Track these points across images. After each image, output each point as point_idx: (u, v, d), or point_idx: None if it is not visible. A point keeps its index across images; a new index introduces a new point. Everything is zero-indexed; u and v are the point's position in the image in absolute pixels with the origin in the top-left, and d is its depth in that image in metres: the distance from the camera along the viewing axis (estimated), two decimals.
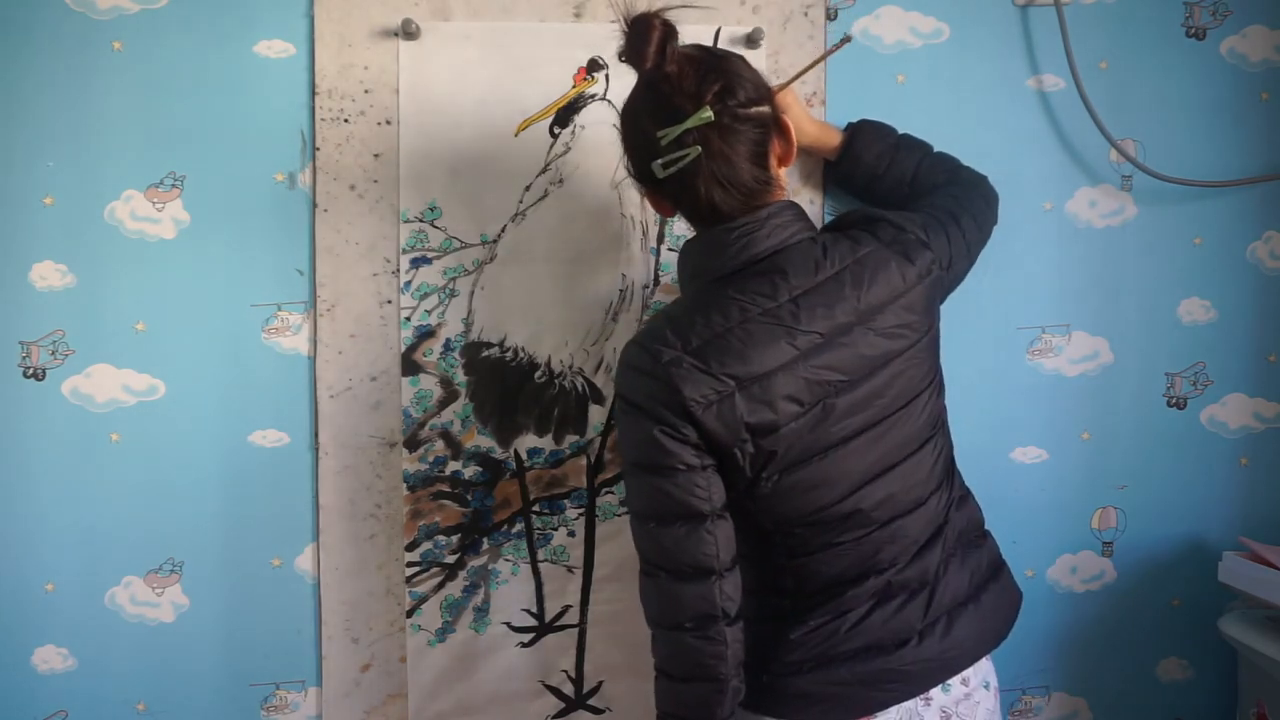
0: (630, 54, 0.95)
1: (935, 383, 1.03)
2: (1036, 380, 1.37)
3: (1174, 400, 1.39)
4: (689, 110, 0.93)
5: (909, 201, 1.21)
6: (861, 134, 1.23)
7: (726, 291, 0.96)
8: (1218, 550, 1.33)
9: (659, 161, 0.94)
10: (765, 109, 0.97)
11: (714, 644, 0.94)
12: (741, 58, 0.99)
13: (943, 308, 1.33)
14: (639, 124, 0.97)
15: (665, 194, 1.00)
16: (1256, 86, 1.37)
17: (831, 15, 1.32)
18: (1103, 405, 1.38)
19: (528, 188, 1.29)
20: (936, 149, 1.24)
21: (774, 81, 1.23)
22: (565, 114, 1.28)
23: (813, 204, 1.31)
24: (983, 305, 1.36)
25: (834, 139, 1.24)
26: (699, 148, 0.93)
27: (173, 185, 1.28)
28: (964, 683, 1.02)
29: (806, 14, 1.30)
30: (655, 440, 0.93)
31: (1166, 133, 1.36)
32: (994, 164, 1.34)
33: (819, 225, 1.29)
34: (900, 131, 1.24)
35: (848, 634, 0.98)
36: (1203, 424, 1.39)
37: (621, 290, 1.30)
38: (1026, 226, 1.36)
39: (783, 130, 0.99)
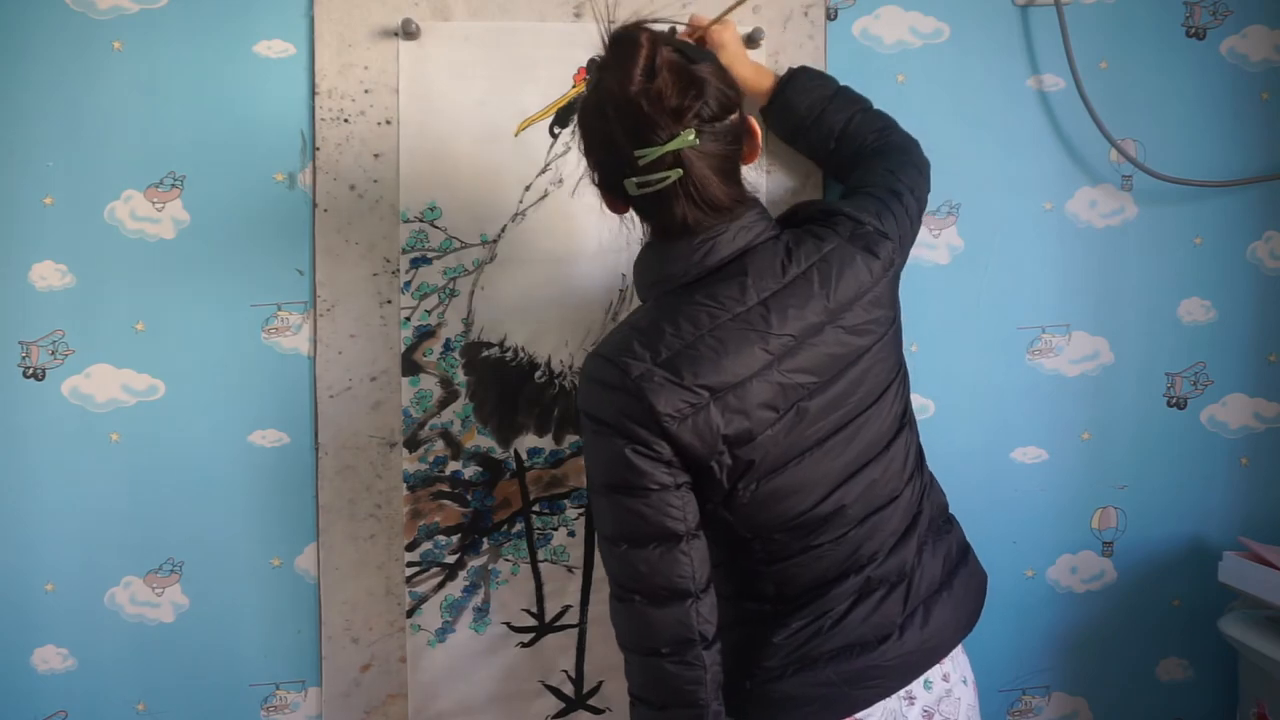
0: (613, 74, 0.90)
1: (901, 374, 1.03)
2: (1036, 380, 1.37)
3: (1174, 400, 1.39)
4: (669, 129, 0.88)
5: (834, 157, 1.19)
6: (795, 81, 1.20)
7: (694, 297, 0.93)
8: (1218, 550, 1.32)
9: (634, 180, 0.90)
10: (736, 116, 0.95)
11: (692, 669, 0.91)
12: (712, 58, 0.96)
13: (943, 308, 1.35)
14: (612, 139, 0.91)
15: (631, 205, 0.97)
16: (1256, 86, 1.37)
17: (832, 15, 1.32)
18: (1103, 405, 1.38)
19: (528, 188, 1.29)
20: (908, 128, 1.20)
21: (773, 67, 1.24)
22: (565, 114, 1.29)
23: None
24: (983, 305, 1.36)
25: (766, 82, 1.21)
26: (679, 170, 0.90)
27: (173, 185, 1.28)
28: (945, 679, 1.02)
29: (806, 14, 1.30)
30: (626, 459, 0.90)
31: (1166, 133, 1.36)
32: (994, 164, 1.35)
33: None
34: (844, 88, 1.21)
35: (829, 633, 0.96)
36: (1203, 424, 1.39)
37: (621, 290, 1.30)
38: (1026, 226, 1.36)
39: (750, 133, 0.97)
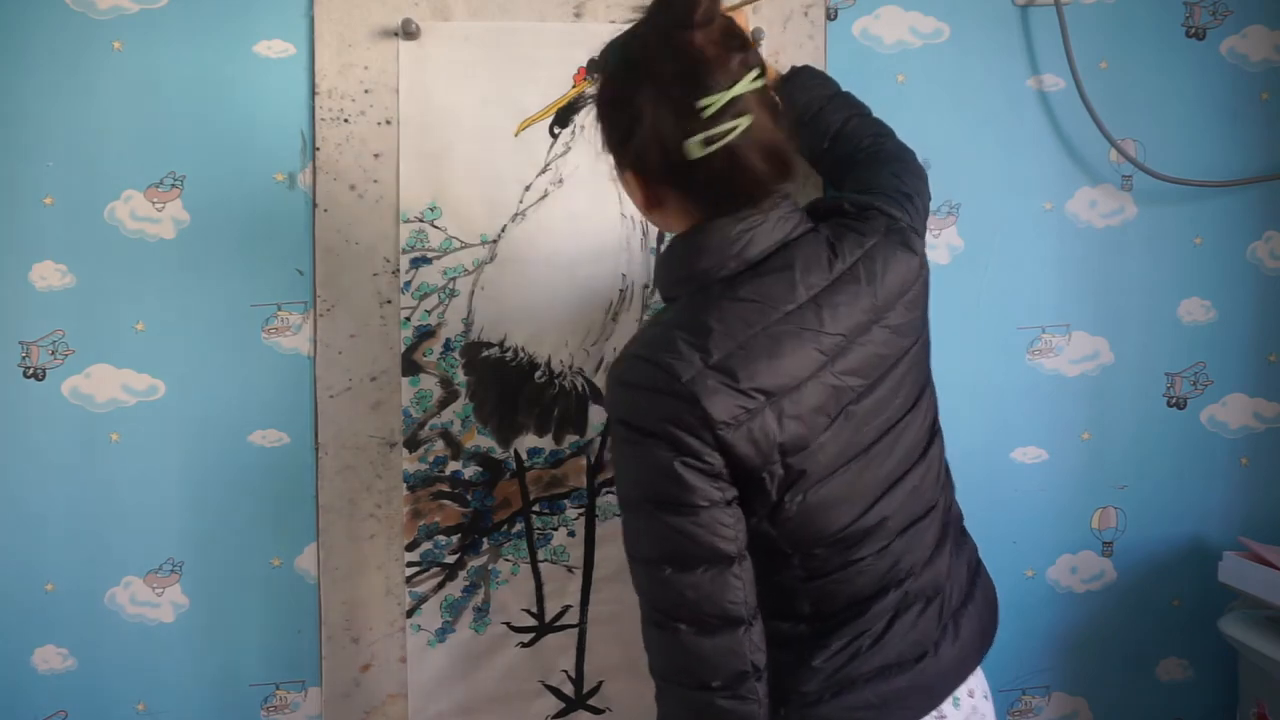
0: (676, 8, 0.82)
1: (930, 381, 1.00)
2: (1036, 380, 1.37)
3: (1174, 400, 1.39)
4: (730, 74, 0.81)
5: (827, 156, 1.17)
6: (797, 78, 1.19)
7: (737, 294, 0.86)
8: (1218, 550, 1.33)
9: (699, 138, 0.81)
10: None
11: (746, 704, 0.84)
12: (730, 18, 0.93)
13: (943, 308, 1.34)
14: (667, 95, 0.82)
15: (688, 179, 0.85)
16: (1256, 86, 1.37)
17: (832, 15, 1.32)
18: (1103, 405, 1.38)
19: (528, 188, 1.29)
20: (908, 128, 1.18)
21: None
22: (565, 114, 1.29)
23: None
24: (983, 305, 1.36)
25: (770, 77, 1.19)
26: (748, 116, 0.81)
27: (173, 185, 1.28)
28: (970, 695, 0.98)
29: (806, 14, 1.30)
30: (674, 473, 0.81)
31: (1166, 133, 1.36)
32: (994, 164, 1.35)
33: None
34: (845, 92, 1.20)
35: (868, 653, 0.90)
36: (1203, 424, 1.39)
37: (621, 290, 1.30)
38: (1026, 226, 1.36)
39: (775, 99, 0.91)
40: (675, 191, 0.88)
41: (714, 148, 0.81)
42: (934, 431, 0.99)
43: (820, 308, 0.86)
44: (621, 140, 0.88)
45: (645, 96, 0.84)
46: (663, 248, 0.92)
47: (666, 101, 0.83)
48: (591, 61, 1.28)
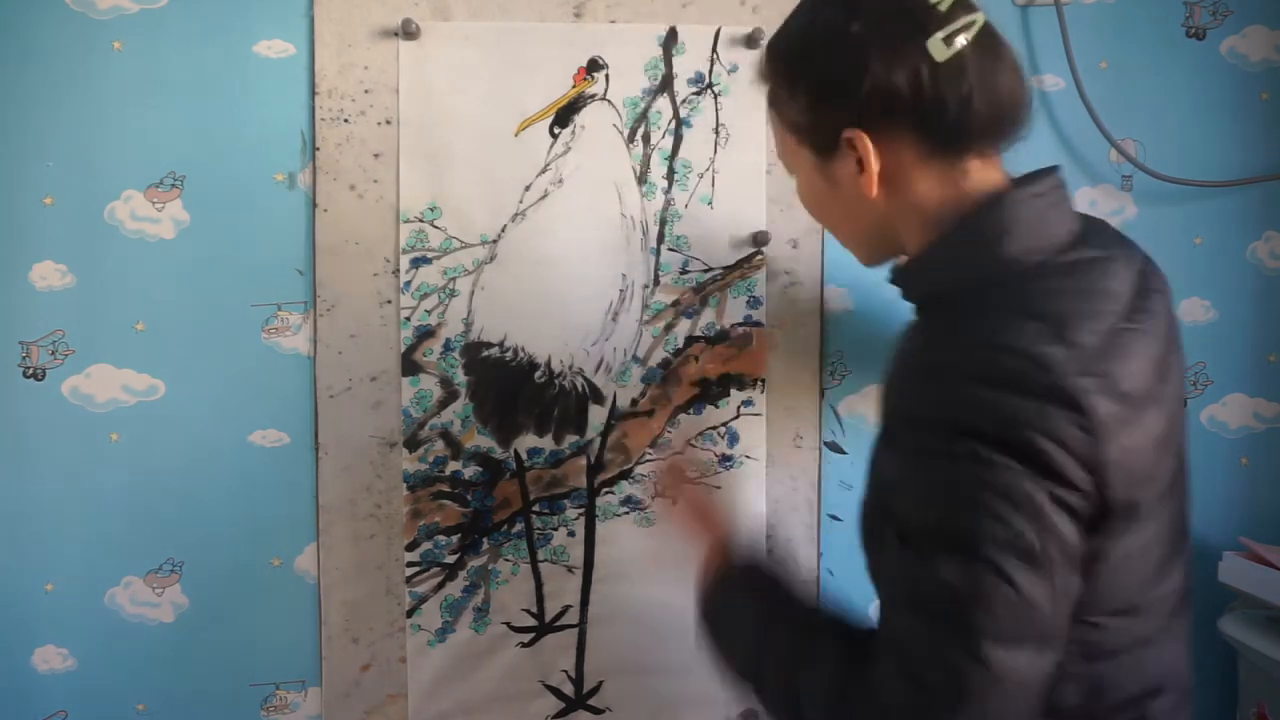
0: None
1: None
2: None
3: None
4: None
5: None
6: None
7: (1063, 283, 0.69)
8: (1218, 550, 1.32)
9: (941, 35, 0.69)
10: None
11: None
12: None
13: None
14: (895, 7, 0.72)
15: (935, 107, 0.71)
16: (1256, 86, 1.37)
17: None
18: None
19: (528, 188, 1.29)
20: None
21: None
22: (565, 114, 1.29)
23: None
24: None
25: None
26: (980, 13, 0.71)
27: (173, 185, 1.28)
28: None
29: None
30: (1034, 506, 0.61)
31: (1166, 133, 1.36)
32: None
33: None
34: None
35: None
36: (1203, 424, 1.39)
37: (621, 290, 1.30)
38: None
39: None
40: (918, 137, 0.74)
41: (957, 48, 0.69)
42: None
43: (1143, 313, 0.70)
44: (847, 89, 0.73)
45: (866, 20, 0.72)
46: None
47: (896, 15, 0.71)
48: (591, 61, 1.27)
